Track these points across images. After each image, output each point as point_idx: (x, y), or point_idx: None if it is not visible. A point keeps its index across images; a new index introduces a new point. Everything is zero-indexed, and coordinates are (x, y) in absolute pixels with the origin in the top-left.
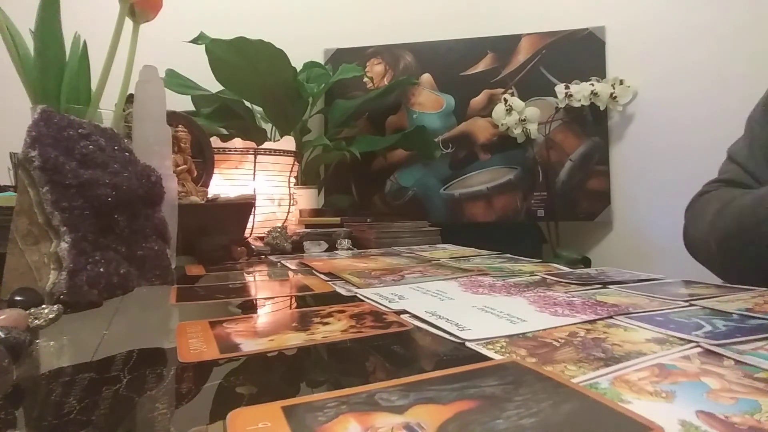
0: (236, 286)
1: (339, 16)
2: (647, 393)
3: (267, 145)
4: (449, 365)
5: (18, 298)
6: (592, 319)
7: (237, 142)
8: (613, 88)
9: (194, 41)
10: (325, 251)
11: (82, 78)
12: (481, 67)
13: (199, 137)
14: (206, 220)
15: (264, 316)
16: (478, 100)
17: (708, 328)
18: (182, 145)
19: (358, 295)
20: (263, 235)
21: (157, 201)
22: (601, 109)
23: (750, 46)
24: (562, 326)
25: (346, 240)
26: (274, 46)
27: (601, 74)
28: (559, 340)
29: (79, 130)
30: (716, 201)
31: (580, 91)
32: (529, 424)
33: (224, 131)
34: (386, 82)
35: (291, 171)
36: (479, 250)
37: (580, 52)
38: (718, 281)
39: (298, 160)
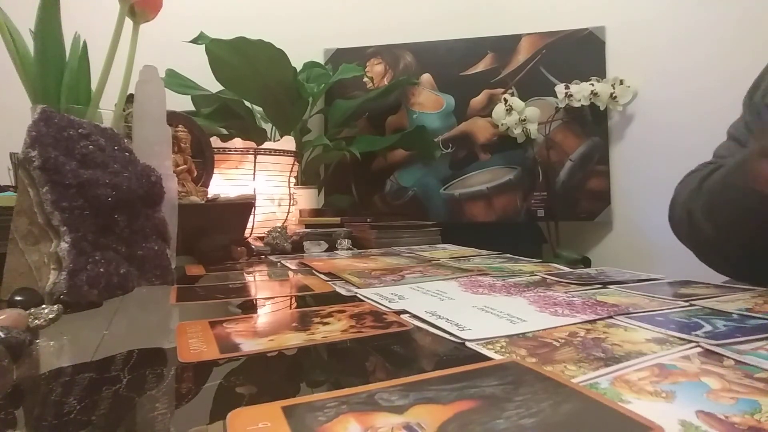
0: (236, 286)
1: (339, 16)
2: (647, 393)
3: (267, 145)
4: (449, 365)
5: (18, 298)
6: (592, 319)
7: (237, 142)
8: (613, 88)
9: (194, 41)
10: (325, 251)
11: (82, 78)
12: (481, 67)
13: (199, 137)
14: (206, 220)
15: (264, 316)
16: (478, 100)
17: (708, 328)
18: (182, 145)
19: (358, 295)
20: (263, 235)
21: (157, 201)
22: (601, 109)
23: (750, 45)
24: (562, 326)
25: (346, 240)
26: (274, 46)
27: (601, 74)
28: (559, 340)
29: (79, 130)
30: (704, 171)
31: (580, 91)
32: (529, 424)
33: (224, 131)
34: (386, 82)
35: (291, 171)
36: (479, 250)
37: (580, 52)
38: (717, 280)
39: (298, 160)
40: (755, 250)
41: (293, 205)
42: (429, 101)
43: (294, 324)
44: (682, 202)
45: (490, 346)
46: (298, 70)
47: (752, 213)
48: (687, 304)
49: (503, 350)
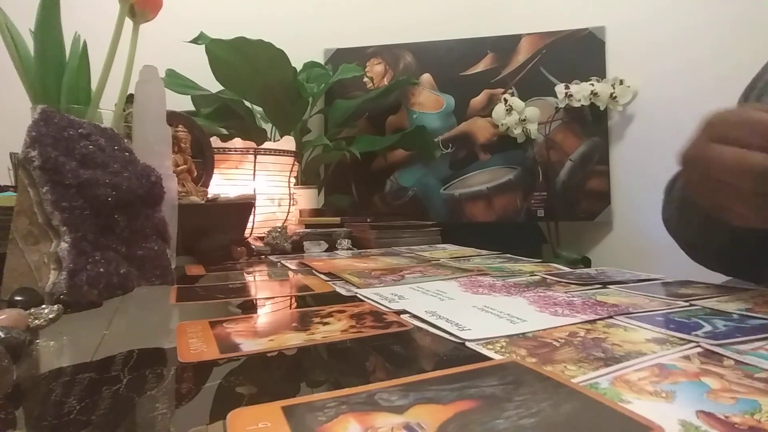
0: (236, 286)
1: (339, 16)
2: (647, 393)
3: (267, 145)
4: (449, 365)
5: (18, 298)
6: (592, 319)
7: (237, 142)
8: (613, 88)
9: (194, 41)
10: (325, 251)
11: (82, 78)
12: (481, 67)
13: (199, 137)
14: (206, 220)
15: (264, 316)
16: (478, 100)
17: (708, 328)
18: (182, 145)
19: (358, 295)
20: (263, 235)
21: (157, 201)
22: (601, 109)
23: (749, 45)
24: (562, 326)
25: (346, 240)
26: (274, 46)
27: (601, 74)
28: (559, 340)
29: (79, 130)
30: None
31: (580, 91)
32: (529, 424)
33: (224, 131)
34: (386, 82)
35: (291, 171)
36: (479, 250)
37: (580, 52)
38: (717, 280)
39: (298, 160)
40: (729, 251)
41: (293, 205)
42: (429, 101)
43: (294, 324)
44: (663, 208)
45: (490, 346)
46: (298, 70)
47: (708, 225)
48: (687, 304)
49: (503, 350)
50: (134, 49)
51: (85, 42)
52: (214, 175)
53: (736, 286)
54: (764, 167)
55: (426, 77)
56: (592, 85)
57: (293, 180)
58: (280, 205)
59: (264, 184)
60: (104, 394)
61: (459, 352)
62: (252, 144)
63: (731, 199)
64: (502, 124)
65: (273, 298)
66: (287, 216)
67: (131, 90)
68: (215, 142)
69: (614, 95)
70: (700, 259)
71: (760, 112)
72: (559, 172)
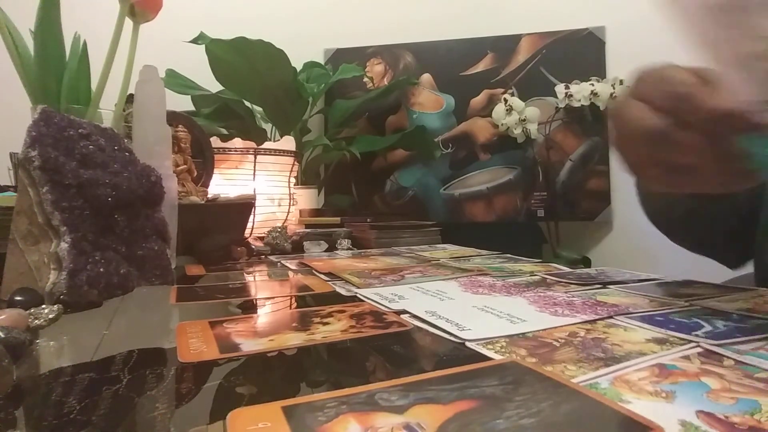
0: (236, 286)
1: (339, 16)
2: (647, 393)
3: (267, 145)
4: (449, 365)
5: (18, 298)
6: (592, 319)
7: (237, 142)
8: (613, 88)
9: (194, 41)
10: (325, 251)
11: (82, 78)
12: (481, 67)
13: (199, 137)
14: (206, 220)
15: (264, 316)
16: (478, 100)
17: (708, 328)
18: (182, 145)
19: (358, 295)
20: (263, 235)
21: (157, 201)
22: (601, 109)
23: None
24: (562, 326)
25: (346, 240)
26: (274, 46)
27: (601, 74)
28: (559, 340)
29: (79, 130)
30: None
31: (580, 91)
32: (529, 424)
33: (224, 131)
34: (386, 82)
35: (291, 171)
36: (479, 250)
37: (580, 52)
38: (718, 280)
39: (298, 160)
40: (689, 223)
41: (293, 205)
42: (429, 101)
43: (294, 324)
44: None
45: (490, 346)
46: (298, 70)
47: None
48: (687, 304)
49: (503, 350)
50: (134, 49)
51: (85, 42)
52: (214, 175)
53: (736, 286)
54: (655, 132)
55: (426, 77)
56: (592, 85)
57: (293, 180)
58: (280, 205)
59: (264, 184)
60: (104, 394)
61: (459, 352)
62: (252, 144)
63: (644, 161)
64: (502, 124)
65: (273, 298)
66: (287, 216)
67: (131, 90)
68: (215, 142)
69: (614, 95)
70: (668, 234)
71: (677, 69)
72: (559, 172)
